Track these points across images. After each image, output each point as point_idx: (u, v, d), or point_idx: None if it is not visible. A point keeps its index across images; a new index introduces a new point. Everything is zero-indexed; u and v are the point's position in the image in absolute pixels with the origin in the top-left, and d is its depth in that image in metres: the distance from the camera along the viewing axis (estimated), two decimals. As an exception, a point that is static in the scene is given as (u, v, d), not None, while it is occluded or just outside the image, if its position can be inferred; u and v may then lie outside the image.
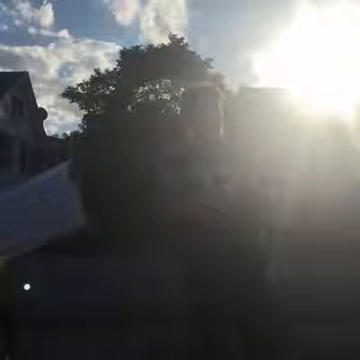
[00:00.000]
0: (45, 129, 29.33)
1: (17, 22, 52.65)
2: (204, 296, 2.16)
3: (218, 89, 2.46)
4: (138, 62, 24.81)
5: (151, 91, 26.54)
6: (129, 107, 26.34)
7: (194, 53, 26.27)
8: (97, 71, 26.98)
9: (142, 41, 56.71)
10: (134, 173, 19.27)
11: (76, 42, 60.03)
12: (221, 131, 2.39)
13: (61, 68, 63.54)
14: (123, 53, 26.62)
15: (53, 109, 59.58)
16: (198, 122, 2.35)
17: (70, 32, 62.34)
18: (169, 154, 2.39)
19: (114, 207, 19.61)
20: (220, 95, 2.42)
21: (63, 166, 2.35)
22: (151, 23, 53.43)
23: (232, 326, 2.21)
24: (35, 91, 29.35)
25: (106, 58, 55.33)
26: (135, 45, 27.21)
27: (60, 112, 67.19)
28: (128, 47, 27.33)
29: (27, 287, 2.98)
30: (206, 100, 2.35)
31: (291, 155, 12.99)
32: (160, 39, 61.54)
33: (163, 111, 25.11)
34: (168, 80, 25.88)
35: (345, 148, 15.06)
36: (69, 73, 58.77)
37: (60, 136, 31.75)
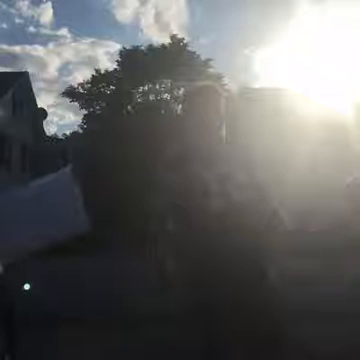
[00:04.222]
0: (45, 129, 29.37)
1: (17, 20, 52.72)
2: (205, 296, 2.16)
3: (218, 89, 2.47)
4: (138, 62, 24.84)
5: (151, 91, 26.55)
6: (129, 107, 26.36)
7: (194, 53, 26.31)
8: (97, 71, 27.02)
9: (142, 39, 56.61)
10: (134, 173, 19.28)
11: (76, 41, 60.03)
12: (221, 131, 2.39)
13: (61, 67, 63.46)
14: (123, 53, 26.65)
15: (53, 109, 59.58)
16: (198, 122, 2.35)
17: (70, 31, 62.20)
18: (169, 154, 2.39)
19: (114, 207, 19.61)
20: (220, 95, 2.42)
21: (66, 168, 2.36)
22: (151, 22, 53.39)
23: (233, 326, 2.21)
24: (35, 90, 29.40)
25: (106, 57, 55.36)
26: (135, 45, 27.29)
27: (60, 112, 67.25)
28: (128, 46, 27.51)
29: (27, 287, 2.99)
30: (206, 100, 2.35)
31: (291, 155, 12.99)
32: (160, 38, 61.75)
33: (163, 111, 25.13)
34: (168, 80, 25.90)
35: (345, 148, 15.07)
36: (69, 72, 58.86)
37: (60, 136, 31.80)
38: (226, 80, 26.03)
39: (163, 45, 26.47)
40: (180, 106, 3.28)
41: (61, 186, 2.28)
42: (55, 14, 53.97)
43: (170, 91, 26.13)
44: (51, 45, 61.36)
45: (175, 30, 68.38)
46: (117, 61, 26.70)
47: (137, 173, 18.49)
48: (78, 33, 58.14)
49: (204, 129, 2.34)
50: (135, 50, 26.40)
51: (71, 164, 2.41)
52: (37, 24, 55.30)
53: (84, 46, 53.86)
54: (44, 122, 28.44)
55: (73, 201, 2.24)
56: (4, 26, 50.77)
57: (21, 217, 2.23)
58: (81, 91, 26.89)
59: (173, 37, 26.56)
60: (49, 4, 51.03)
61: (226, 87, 23.44)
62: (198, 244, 2.17)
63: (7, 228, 2.20)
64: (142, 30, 54.15)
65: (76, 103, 27.00)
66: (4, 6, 54.42)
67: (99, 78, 26.68)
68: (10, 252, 2.22)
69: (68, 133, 30.61)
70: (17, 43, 67.56)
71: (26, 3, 56.13)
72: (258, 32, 52.54)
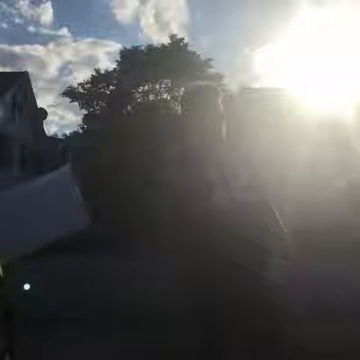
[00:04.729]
0: (45, 129, 29.39)
1: (17, 20, 52.77)
2: (205, 296, 2.16)
3: (218, 89, 2.47)
4: (138, 62, 24.84)
5: (151, 91, 26.56)
6: (129, 107, 26.36)
7: (194, 53, 26.32)
8: (97, 71, 27.03)
9: (143, 39, 56.74)
10: (134, 173, 19.29)
11: (76, 41, 60.12)
12: (221, 131, 2.39)
13: (61, 67, 63.62)
14: (123, 53, 26.66)
15: (53, 109, 59.74)
16: (198, 122, 2.35)
17: (70, 30, 62.19)
18: (170, 154, 2.39)
19: (114, 207, 19.62)
20: (220, 95, 2.43)
21: (65, 167, 2.37)
22: (151, 22, 53.41)
23: (233, 326, 2.21)
24: (35, 90, 29.42)
25: (106, 57, 55.55)
26: (135, 45, 27.32)
27: (60, 112, 67.50)
28: (129, 45, 27.46)
29: (27, 287, 2.98)
30: (206, 100, 2.35)
31: (291, 155, 13.00)
32: (160, 38, 61.84)
33: (163, 111, 25.12)
34: (168, 80, 25.90)
35: (345, 148, 15.06)
36: (69, 72, 58.95)
37: (60, 136, 31.86)
38: (226, 80, 26.10)
39: (163, 45, 26.48)
40: (180, 106, 3.32)
41: (61, 185, 2.29)
42: (55, 14, 54.06)
43: (170, 91, 26.14)
44: (51, 45, 61.57)
45: (175, 30, 68.60)
46: (117, 61, 26.74)
47: (137, 173, 18.50)
48: (78, 33, 58.24)
49: (204, 129, 2.34)
50: (135, 50, 26.41)
51: (70, 163, 2.41)
52: (37, 24, 55.43)
53: (84, 46, 53.97)
54: (44, 122, 28.49)
55: (73, 200, 2.25)
56: (4, 26, 50.81)
57: (21, 216, 2.23)
58: (81, 91, 26.89)
59: (173, 37, 26.58)
60: (49, 4, 51.14)
61: (226, 87, 23.46)
62: (198, 244, 2.17)
63: (7, 227, 2.21)
64: (142, 30, 54.17)
65: (76, 103, 27.03)
66: (4, 6, 54.46)
67: (99, 78, 26.67)
68: (10, 251, 2.23)
69: (68, 133, 30.68)
70: (17, 43, 67.76)
71: (26, 3, 56.25)
72: (258, 32, 52.59)
